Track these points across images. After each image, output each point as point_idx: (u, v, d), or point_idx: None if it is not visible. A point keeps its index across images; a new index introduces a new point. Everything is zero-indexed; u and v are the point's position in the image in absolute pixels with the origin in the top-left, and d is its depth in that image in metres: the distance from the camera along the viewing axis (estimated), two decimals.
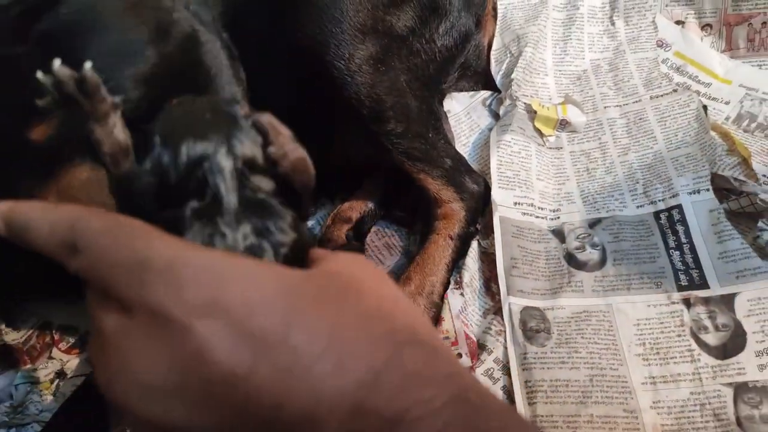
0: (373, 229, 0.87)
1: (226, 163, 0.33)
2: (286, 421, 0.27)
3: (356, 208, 0.85)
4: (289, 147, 0.36)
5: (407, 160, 0.77)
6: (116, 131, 0.35)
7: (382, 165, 0.85)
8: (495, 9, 1.01)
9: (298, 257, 0.34)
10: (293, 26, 0.73)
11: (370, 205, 0.86)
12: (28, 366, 0.72)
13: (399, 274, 0.81)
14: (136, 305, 0.29)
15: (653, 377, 0.68)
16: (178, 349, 0.28)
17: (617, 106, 0.94)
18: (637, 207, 0.83)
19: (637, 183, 0.85)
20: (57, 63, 0.34)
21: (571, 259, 0.79)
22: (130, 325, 0.29)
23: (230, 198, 0.33)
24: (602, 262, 0.78)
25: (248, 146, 0.34)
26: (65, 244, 0.31)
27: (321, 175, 0.88)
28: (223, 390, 0.27)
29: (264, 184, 0.35)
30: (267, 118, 0.36)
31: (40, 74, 0.34)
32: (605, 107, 0.95)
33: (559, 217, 0.84)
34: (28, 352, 0.74)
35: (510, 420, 0.31)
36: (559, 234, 0.82)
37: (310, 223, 0.88)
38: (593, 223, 0.83)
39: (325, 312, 0.29)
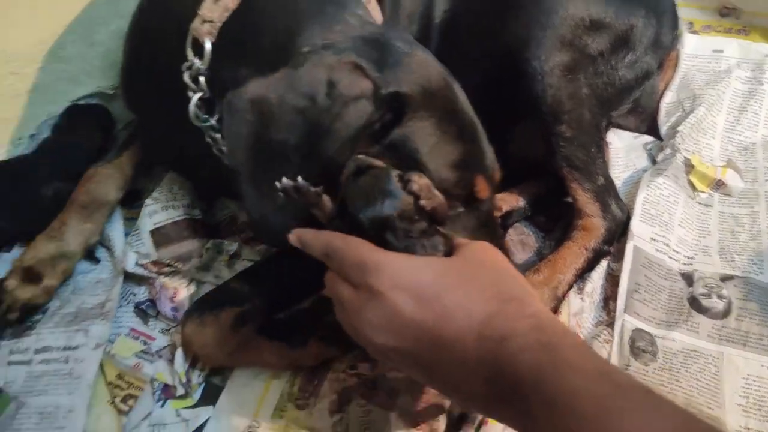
0: (515, 225, 0.96)
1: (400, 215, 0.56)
2: (444, 341, 0.50)
3: (508, 201, 0.94)
4: (433, 196, 0.58)
5: (566, 165, 0.85)
6: (327, 206, 0.60)
7: (540, 171, 0.94)
8: (677, 58, 1.07)
9: (449, 252, 0.58)
10: (503, 25, 0.86)
11: (521, 203, 0.95)
12: (217, 240, 0.89)
13: (526, 269, 0.89)
14: (359, 285, 0.53)
15: (749, 428, 0.71)
16: (384, 308, 0.51)
17: None
18: None
19: None
20: (284, 180, 0.57)
21: (693, 302, 0.83)
22: (358, 296, 0.53)
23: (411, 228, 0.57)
24: (725, 313, 0.81)
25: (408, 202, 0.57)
26: (324, 254, 0.57)
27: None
28: (410, 327, 0.51)
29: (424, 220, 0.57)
30: (416, 185, 0.57)
31: (277, 183, 0.57)
32: (766, 180, 0.97)
33: (692, 264, 0.88)
34: (219, 230, 0.91)
35: (567, 337, 0.50)
36: (687, 278, 0.86)
37: None
38: (725, 278, 0.85)
39: (460, 285, 0.52)
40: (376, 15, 0.78)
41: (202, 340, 0.75)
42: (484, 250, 0.57)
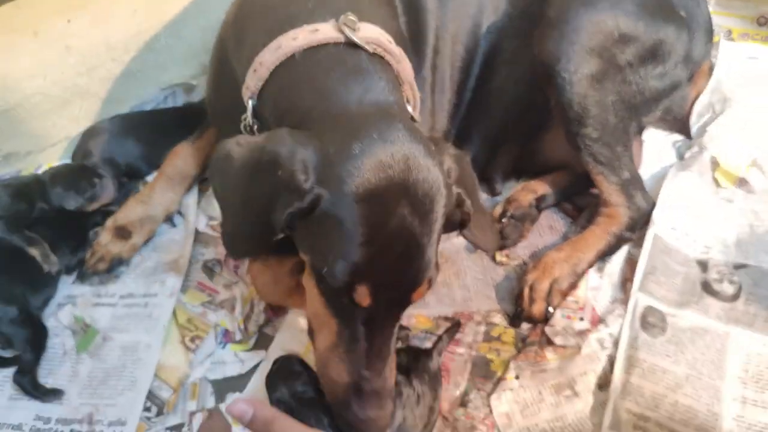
0: (545, 210, 1.05)
1: None
2: None
3: (542, 186, 1.04)
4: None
5: (592, 161, 0.93)
6: None
7: (570, 166, 1.02)
8: (711, 69, 1.12)
9: None
10: (538, 41, 0.94)
11: (552, 190, 1.04)
12: None
13: (550, 248, 0.97)
14: None
15: (745, 397, 0.77)
16: None
17: None
18: None
19: None
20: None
21: (706, 286, 0.89)
22: None
23: None
24: (735, 297, 0.88)
25: None
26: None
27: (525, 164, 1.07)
28: None
29: None
30: None
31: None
32: None
33: (708, 253, 0.94)
34: None
35: None
36: (702, 264, 0.93)
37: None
38: (738, 266, 0.91)
39: None
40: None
41: (264, 278, 0.89)
42: None
